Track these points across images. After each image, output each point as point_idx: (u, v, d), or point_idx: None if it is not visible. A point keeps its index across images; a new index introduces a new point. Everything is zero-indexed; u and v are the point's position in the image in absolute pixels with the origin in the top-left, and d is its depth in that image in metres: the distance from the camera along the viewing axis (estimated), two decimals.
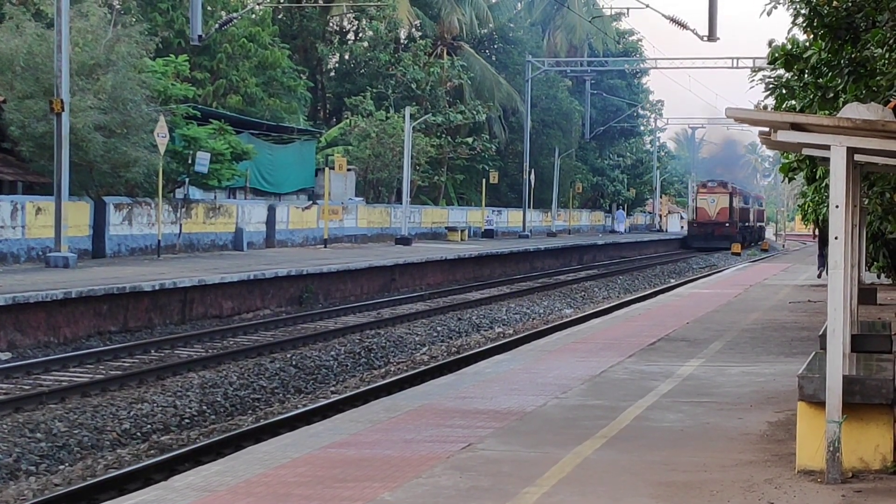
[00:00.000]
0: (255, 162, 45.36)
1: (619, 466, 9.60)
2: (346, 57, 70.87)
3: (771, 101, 17.93)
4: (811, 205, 30.22)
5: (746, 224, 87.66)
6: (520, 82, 74.63)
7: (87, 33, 35.25)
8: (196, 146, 38.59)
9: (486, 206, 68.48)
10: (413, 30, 74.24)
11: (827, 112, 15.29)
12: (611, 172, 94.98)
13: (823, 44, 15.15)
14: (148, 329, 26.18)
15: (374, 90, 64.32)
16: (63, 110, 30.00)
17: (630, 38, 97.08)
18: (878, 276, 34.27)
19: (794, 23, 15.97)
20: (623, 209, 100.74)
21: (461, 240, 59.93)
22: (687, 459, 9.87)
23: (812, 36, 15.61)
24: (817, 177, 22.13)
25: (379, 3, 62.89)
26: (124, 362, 21.46)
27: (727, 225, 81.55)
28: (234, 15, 46.24)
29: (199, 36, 40.09)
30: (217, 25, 44.45)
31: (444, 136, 66.40)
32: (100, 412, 16.72)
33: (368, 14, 67.00)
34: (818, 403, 9.21)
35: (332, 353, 23.57)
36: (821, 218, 30.21)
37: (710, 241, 79.80)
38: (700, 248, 78.37)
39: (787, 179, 23.00)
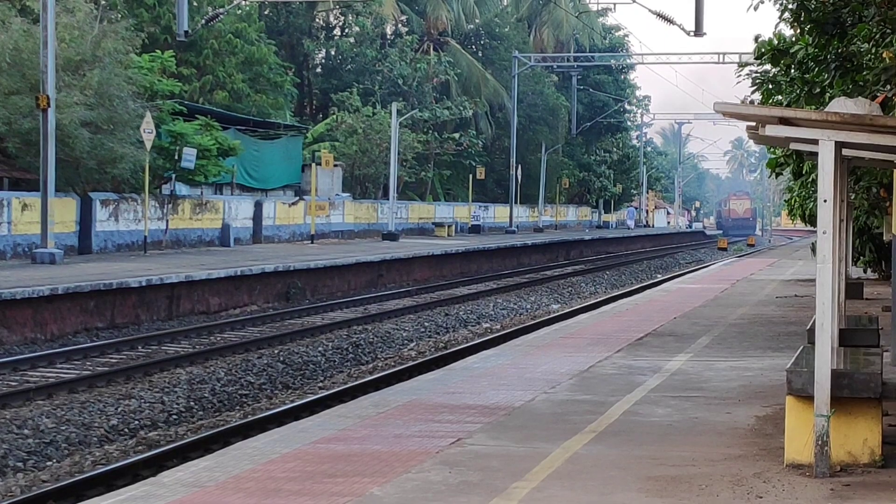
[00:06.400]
0: (241, 158, 45.28)
1: (607, 461, 9.61)
2: (333, 53, 70.84)
3: (758, 97, 17.94)
4: (798, 200, 30.28)
5: (756, 218, 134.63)
6: (506, 78, 74.63)
7: (73, 29, 35.17)
8: (182, 142, 38.52)
9: (472, 201, 68.52)
10: (399, 25, 74.22)
11: (814, 107, 15.32)
12: (597, 168, 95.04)
13: (810, 39, 15.15)
14: (135, 325, 26.14)
15: (361, 86, 64.30)
16: (49, 106, 29.91)
17: (616, 34, 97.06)
18: (865, 271, 34.35)
19: (780, 18, 15.98)
20: (634, 207, 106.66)
21: (448, 235, 59.95)
22: (675, 454, 9.88)
23: (799, 31, 15.60)
24: (804, 172, 22.18)
25: None
26: (111, 358, 21.43)
27: (750, 220, 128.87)
28: (221, 11, 46.14)
29: (186, 32, 40.06)
30: (203, 21, 44.38)
31: (430, 131, 66.41)
32: (87, 408, 16.70)
33: (354, 10, 67.00)
34: (806, 397, 9.23)
35: (320, 348, 23.56)
36: (807, 213, 30.26)
37: (739, 230, 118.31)
38: (734, 234, 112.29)
39: (773, 175, 23.04)
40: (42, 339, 23.31)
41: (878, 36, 14.14)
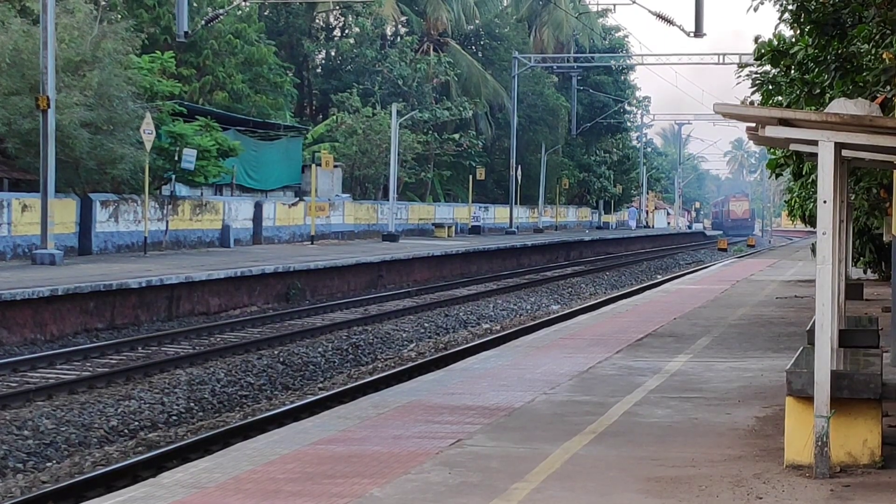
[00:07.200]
0: (240, 159, 45.29)
1: (607, 462, 9.61)
2: (333, 53, 70.86)
3: (757, 97, 17.94)
4: (798, 200, 30.26)
5: (755, 219, 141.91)
6: (506, 78, 74.62)
7: (73, 30, 35.17)
8: (182, 143, 38.52)
9: (472, 202, 68.50)
10: (399, 26, 74.24)
11: (814, 108, 15.31)
12: (597, 168, 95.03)
13: (810, 39, 15.15)
14: (135, 326, 26.14)
15: (361, 86, 64.29)
16: (49, 107, 29.90)
17: (616, 35, 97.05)
18: (865, 272, 34.32)
19: (780, 18, 15.98)
20: (636, 208, 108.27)
21: (448, 236, 59.94)
22: (675, 454, 9.88)
23: (799, 31, 15.61)
24: (804, 172, 22.17)
25: None
26: (111, 359, 21.43)
27: (748, 220, 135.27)
28: (221, 11, 46.15)
29: (186, 32, 40.06)
30: (203, 22, 44.38)
31: (430, 132, 66.40)
32: (87, 409, 16.69)
33: (354, 10, 66.98)
34: (806, 398, 9.23)
35: (320, 349, 23.55)
36: (807, 214, 30.25)
37: (739, 230, 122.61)
38: (733, 235, 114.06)
39: (773, 176, 23.04)
40: (42, 340, 23.31)
41: (878, 37, 14.14)
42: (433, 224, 62.13)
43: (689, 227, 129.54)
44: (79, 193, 34.92)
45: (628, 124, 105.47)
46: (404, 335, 26.76)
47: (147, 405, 17.39)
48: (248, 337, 24.94)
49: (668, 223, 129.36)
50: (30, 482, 13.11)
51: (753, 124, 10.03)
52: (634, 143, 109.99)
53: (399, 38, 72.28)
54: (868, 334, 12.00)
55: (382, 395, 13.51)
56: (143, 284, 26.59)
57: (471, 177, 68.24)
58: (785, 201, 37.88)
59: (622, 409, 12.10)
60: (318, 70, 71.42)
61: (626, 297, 32.92)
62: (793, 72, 16.14)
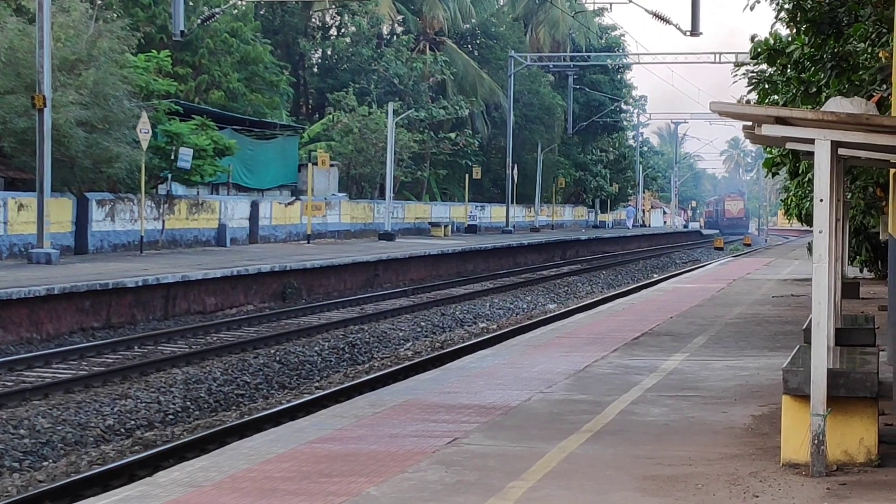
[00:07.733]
0: (237, 158, 45.28)
1: (604, 460, 9.60)
2: (329, 52, 70.83)
3: (754, 96, 17.96)
4: (794, 199, 30.28)
5: (750, 218, 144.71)
6: (502, 77, 74.60)
7: (68, 28, 35.14)
8: (178, 142, 38.50)
9: (469, 201, 68.51)
10: (395, 25, 74.24)
11: (810, 107, 15.33)
12: (594, 167, 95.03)
13: (806, 38, 15.18)
14: (131, 325, 26.11)
15: (357, 85, 64.29)
16: (45, 106, 29.88)
17: (613, 34, 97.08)
18: (861, 271, 34.36)
19: (777, 17, 16.00)
20: (633, 206, 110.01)
21: (444, 235, 59.95)
22: (672, 453, 9.87)
23: (795, 30, 15.65)
24: (800, 171, 22.20)
25: None
26: (107, 358, 21.41)
27: (743, 219, 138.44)
28: (217, 10, 46.08)
29: (182, 31, 39.98)
30: (199, 21, 44.34)
31: (426, 131, 66.39)
32: (83, 408, 16.68)
33: (350, 9, 66.98)
34: (803, 397, 9.22)
35: (316, 348, 23.54)
36: (804, 213, 30.28)
37: (734, 229, 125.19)
38: (729, 233, 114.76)
39: (770, 174, 23.08)
40: (38, 339, 23.28)
41: (874, 35, 14.17)
42: (429, 223, 62.15)
43: (686, 226, 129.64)
44: (75, 192, 34.90)
45: (624, 123, 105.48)
46: (401, 334, 26.76)
47: (143, 404, 17.38)
48: (244, 336, 24.92)
49: (665, 222, 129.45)
50: (26, 481, 13.10)
51: (750, 123, 10.03)
52: (631, 141, 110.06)
53: (395, 37, 72.27)
54: (864, 333, 12.00)
55: (379, 394, 13.50)
56: (140, 283, 26.57)
57: (467, 176, 68.25)
58: (781, 200, 37.91)
59: (619, 407, 12.09)
60: (315, 69, 71.41)
61: (623, 296, 32.93)
62: (789, 70, 16.17)
